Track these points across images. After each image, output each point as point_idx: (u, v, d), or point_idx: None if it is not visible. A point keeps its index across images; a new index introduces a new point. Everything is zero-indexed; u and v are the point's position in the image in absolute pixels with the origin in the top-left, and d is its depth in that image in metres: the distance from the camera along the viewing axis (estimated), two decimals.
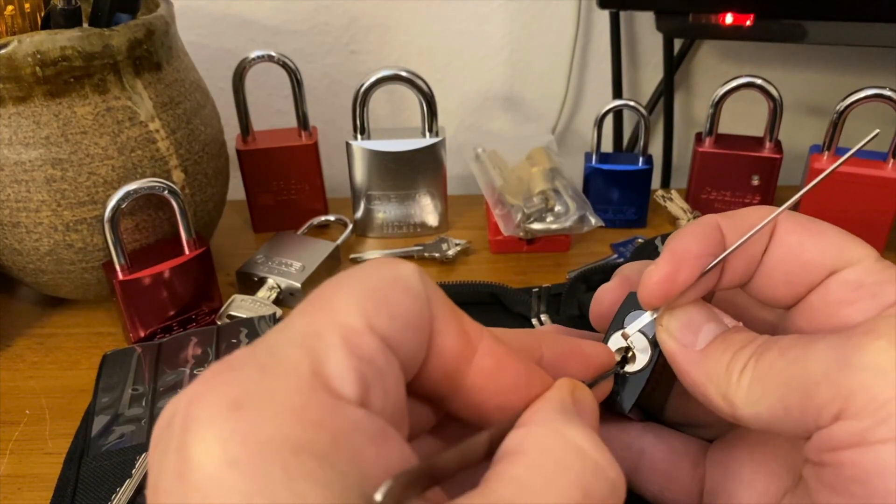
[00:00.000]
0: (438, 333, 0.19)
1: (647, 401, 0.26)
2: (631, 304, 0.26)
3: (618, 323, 0.26)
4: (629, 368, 0.26)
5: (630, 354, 0.26)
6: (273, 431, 0.15)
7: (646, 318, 0.25)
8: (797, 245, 0.23)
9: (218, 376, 0.16)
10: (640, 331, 0.26)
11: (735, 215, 0.24)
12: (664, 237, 0.55)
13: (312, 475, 0.15)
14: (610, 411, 0.26)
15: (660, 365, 0.25)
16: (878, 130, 0.24)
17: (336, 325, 0.17)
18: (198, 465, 0.14)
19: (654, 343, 0.25)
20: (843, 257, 0.23)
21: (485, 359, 0.20)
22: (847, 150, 0.55)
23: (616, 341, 0.26)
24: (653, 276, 0.23)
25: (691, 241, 0.23)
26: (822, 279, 0.23)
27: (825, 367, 0.20)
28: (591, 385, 0.24)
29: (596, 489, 0.17)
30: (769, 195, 0.58)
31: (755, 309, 0.27)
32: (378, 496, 0.15)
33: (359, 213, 0.60)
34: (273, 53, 0.55)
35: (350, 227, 0.59)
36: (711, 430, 0.27)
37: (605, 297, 0.27)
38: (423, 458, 0.18)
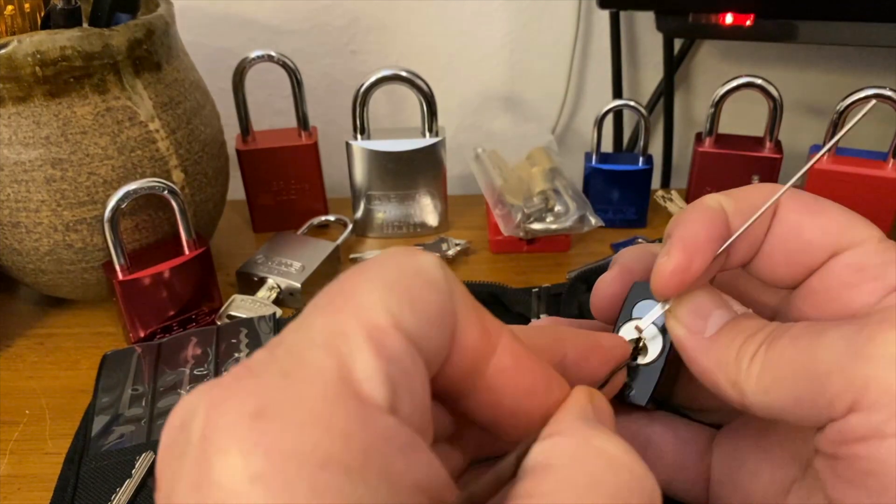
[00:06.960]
0: (460, 330, 0.18)
1: (658, 389, 0.26)
2: (637, 293, 0.26)
3: (626, 314, 0.26)
4: (641, 360, 0.25)
5: (641, 345, 0.25)
6: (299, 443, 0.14)
7: (658, 308, 0.25)
8: (797, 224, 0.23)
9: (239, 382, 0.15)
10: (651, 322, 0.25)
11: (738, 194, 0.24)
12: (661, 242, 0.55)
13: (341, 492, 0.14)
14: (619, 403, 0.26)
15: (671, 353, 0.25)
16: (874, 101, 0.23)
17: (361, 324, 0.16)
18: (218, 479, 0.14)
19: (664, 331, 0.25)
20: (845, 238, 0.22)
21: (503, 358, 0.19)
22: (848, 149, 0.55)
23: (626, 332, 0.26)
24: (666, 268, 0.23)
25: (699, 227, 0.23)
26: (824, 260, 0.23)
27: (837, 357, 0.19)
28: (606, 381, 0.23)
29: (634, 501, 0.17)
30: None
31: (757, 292, 0.26)
32: None
33: (359, 213, 0.60)
34: (273, 53, 0.55)
35: (350, 227, 0.59)
36: (718, 415, 0.27)
37: (606, 288, 0.27)
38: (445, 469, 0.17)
